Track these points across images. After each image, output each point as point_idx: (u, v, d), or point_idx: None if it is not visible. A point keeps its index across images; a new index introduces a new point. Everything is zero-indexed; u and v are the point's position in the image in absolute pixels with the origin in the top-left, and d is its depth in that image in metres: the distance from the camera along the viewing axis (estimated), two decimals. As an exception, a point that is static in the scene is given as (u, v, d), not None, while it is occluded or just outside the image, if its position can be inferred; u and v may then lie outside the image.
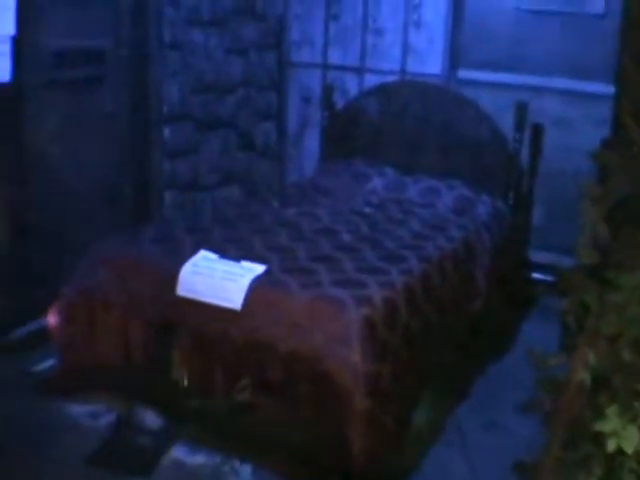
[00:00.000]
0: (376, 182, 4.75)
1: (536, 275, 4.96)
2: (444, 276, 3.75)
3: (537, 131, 4.75)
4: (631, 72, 2.03)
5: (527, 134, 4.73)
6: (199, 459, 3.25)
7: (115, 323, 3.52)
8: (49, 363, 3.84)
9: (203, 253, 3.50)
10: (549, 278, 4.74)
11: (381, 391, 3.07)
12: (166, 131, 4.85)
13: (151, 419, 3.41)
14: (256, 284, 3.25)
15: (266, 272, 3.35)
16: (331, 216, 4.24)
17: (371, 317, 3.08)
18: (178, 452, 3.29)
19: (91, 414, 3.52)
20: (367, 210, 4.39)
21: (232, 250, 3.58)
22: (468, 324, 4.02)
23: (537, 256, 4.99)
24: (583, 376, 1.95)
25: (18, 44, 3.79)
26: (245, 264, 3.40)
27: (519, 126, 4.66)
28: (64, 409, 3.53)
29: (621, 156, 2.02)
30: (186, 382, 3.48)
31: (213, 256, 3.49)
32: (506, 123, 4.75)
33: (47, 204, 4.13)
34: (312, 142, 5.71)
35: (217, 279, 3.31)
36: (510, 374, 3.99)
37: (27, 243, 4.04)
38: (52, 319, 3.66)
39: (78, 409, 3.54)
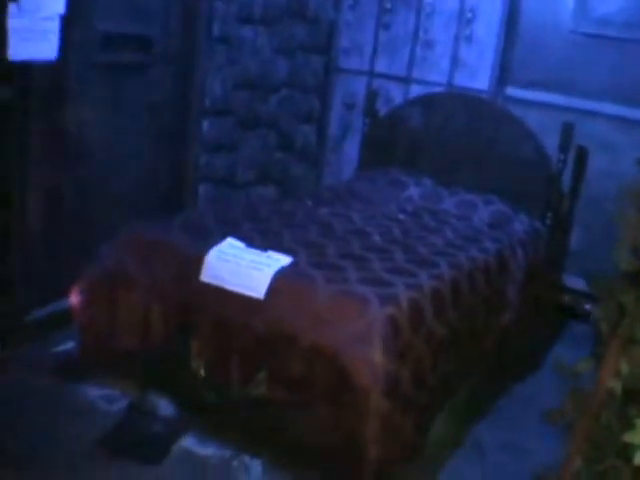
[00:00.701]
0: (412, 191, 4.70)
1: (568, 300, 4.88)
2: (474, 286, 3.66)
3: (581, 153, 4.67)
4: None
5: (571, 156, 4.65)
6: (209, 451, 3.22)
7: (136, 305, 3.48)
8: (69, 345, 3.81)
9: (230, 240, 3.46)
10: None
11: (401, 394, 2.99)
12: (205, 124, 4.83)
13: (164, 406, 3.39)
14: (281, 275, 3.20)
15: (292, 264, 3.30)
16: (364, 219, 4.19)
17: (395, 317, 3.01)
18: (189, 442, 3.26)
19: (106, 398, 3.49)
20: (401, 217, 4.32)
21: (259, 241, 3.54)
22: (497, 338, 3.93)
23: (572, 282, 4.89)
24: (613, 384, 1.86)
25: (67, 23, 3.76)
26: (272, 254, 3.36)
27: (564, 147, 4.58)
28: (80, 391, 3.51)
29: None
30: (203, 372, 3.44)
31: (240, 244, 3.44)
32: (551, 145, 4.67)
33: (82, 188, 4.11)
34: (352, 149, 5.67)
35: (242, 267, 3.26)
36: (535, 396, 3.91)
37: (59, 225, 4.01)
38: (74, 298, 3.63)
39: (94, 392, 3.52)
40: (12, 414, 3.28)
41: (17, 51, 3.51)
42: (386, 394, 2.91)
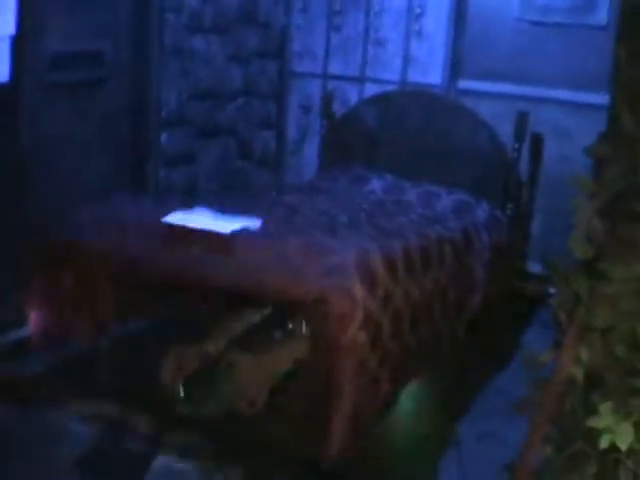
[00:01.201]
0: (375, 184, 4.72)
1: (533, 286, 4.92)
2: (443, 258, 3.71)
3: (537, 141, 4.72)
4: (625, 62, 2.01)
5: (527, 144, 4.70)
6: (189, 466, 3.17)
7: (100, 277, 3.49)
8: (38, 368, 3.80)
9: (198, 209, 3.47)
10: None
11: (378, 338, 2.99)
12: (163, 136, 4.84)
13: (141, 423, 3.38)
14: (250, 231, 3.23)
15: (262, 226, 3.32)
16: (329, 205, 4.21)
17: (368, 262, 3.03)
18: (168, 458, 3.20)
19: (81, 419, 3.43)
20: (365, 206, 4.34)
21: (228, 213, 3.52)
22: (468, 318, 3.98)
23: (537, 267, 4.94)
24: (574, 371, 1.90)
25: (18, 45, 3.77)
26: (241, 219, 3.37)
27: (519, 136, 4.62)
28: (53, 415, 3.45)
29: (615, 148, 1.99)
30: (179, 390, 3.46)
31: (208, 212, 3.45)
32: (506, 133, 4.72)
33: (43, 206, 4.09)
34: (312, 152, 5.69)
35: (210, 221, 3.29)
36: (506, 386, 3.94)
37: (23, 243, 3.99)
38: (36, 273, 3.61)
39: (67, 414, 3.46)
40: None
41: (-34, 74, 3.52)
42: (364, 328, 2.89)
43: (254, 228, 3.30)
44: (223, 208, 3.61)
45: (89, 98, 4.38)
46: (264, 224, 3.35)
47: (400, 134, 5.01)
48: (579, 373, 1.93)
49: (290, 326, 3.41)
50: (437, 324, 3.63)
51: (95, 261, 3.46)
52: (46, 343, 3.68)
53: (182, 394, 3.49)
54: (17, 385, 3.67)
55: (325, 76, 5.78)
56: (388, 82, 5.48)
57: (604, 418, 1.82)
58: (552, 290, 4.67)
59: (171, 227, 3.29)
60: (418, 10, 5.36)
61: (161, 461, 3.19)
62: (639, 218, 1.91)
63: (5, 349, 3.89)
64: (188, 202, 3.69)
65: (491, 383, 4.03)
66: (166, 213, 3.37)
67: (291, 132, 5.96)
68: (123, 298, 3.55)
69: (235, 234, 3.17)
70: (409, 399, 3.50)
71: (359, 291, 2.91)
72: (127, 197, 3.77)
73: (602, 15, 4.87)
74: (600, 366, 1.90)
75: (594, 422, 1.83)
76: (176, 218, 3.33)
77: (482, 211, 4.49)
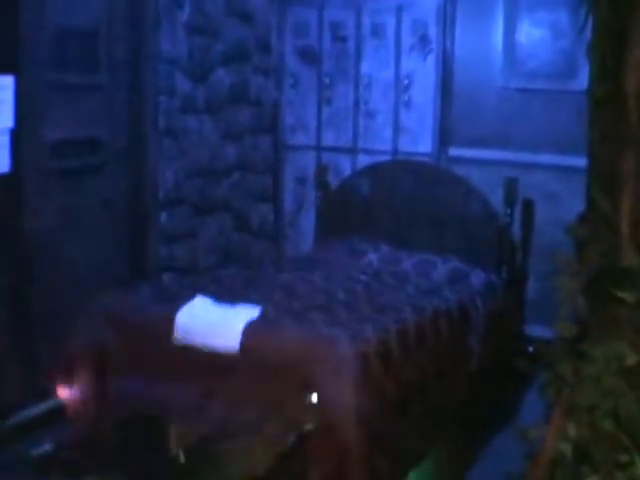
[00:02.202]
0: (371, 256, 4.80)
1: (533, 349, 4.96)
2: (438, 331, 3.79)
3: (528, 206, 4.81)
4: (599, 147, 2.10)
5: (518, 209, 4.79)
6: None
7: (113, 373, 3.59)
8: (47, 446, 3.84)
9: (198, 299, 3.57)
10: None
11: (375, 431, 3.08)
12: (163, 216, 4.94)
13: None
14: (252, 326, 3.32)
15: (261, 314, 3.42)
16: (326, 281, 4.29)
17: (364, 354, 3.13)
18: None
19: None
20: (362, 277, 4.43)
21: (227, 298, 3.66)
22: (465, 387, 4.04)
23: (534, 330, 4.99)
24: (562, 447, 1.96)
25: (17, 136, 3.88)
26: (240, 307, 3.48)
27: (509, 201, 4.72)
28: None
29: (592, 231, 2.07)
30: (183, 458, 3.50)
31: (208, 300, 3.56)
32: (497, 199, 4.82)
33: (46, 291, 4.18)
34: (308, 222, 5.78)
35: (213, 321, 3.39)
36: (507, 451, 3.96)
37: (27, 329, 4.08)
38: (56, 377, 3.71)
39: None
40: None
41: (-31, 169, 3.62)
42: (359, 425, 3.00)
43: (253, 319, 3.39)
44: (222, 295, 3.73)
45: (88, 183, 4.49)
46: (263, 312, 3.45)
47: (393, 203, 5.10)
48: (567, 448, 1.98)
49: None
50: (434, 398, 3.69)
51: (109, 357, 3.61)
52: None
53: (186, 464, 3.55)
54: (27, 462, 3.73)
55: (318, 148, 5.91)
56: (380, 152, 5.61)
57: (592, 492, 1.87)
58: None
59: (178, 347, 3.42)
60: (406, 81, 5.51)
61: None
62: (620, 298, 1.98)
63: (12, 429, 3.94)
64: (188, 291, 3.79)
65: (490, 449, 4.06)
66: (173, 311, 3.49)
67: (287, 204, 6.07)
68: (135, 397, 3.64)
69: (238, 357, 3.28)
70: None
71: (355, 395, 3.04)
72: (131, 295, 3.87)
73: (583, 79, 4.97)
74: (587, 441, 1.96)
75: (582, 497, 1.88)
76: (183, 324, 3.44)
77: (477, 278, 4.56)
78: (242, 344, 3.26)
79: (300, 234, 5.97)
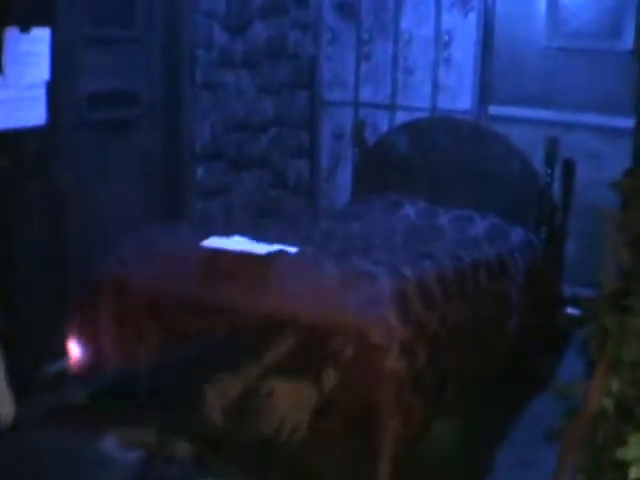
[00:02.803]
0: (408, 210, 4.75)
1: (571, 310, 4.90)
2: (478, 283, 3.73)
3: (568, 166, 4.73)
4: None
5: (559, 169, 4.71)
6: (229, 494, 3.21)
7: (140, 311, 3.54)
8: (82, 397, 3.85)
9: (236, 237, 3.54)
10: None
11: (415, 368, 3.01)
12: (199, 171, 4.92)
13: (181, 450, 3.38)
14: (287, 257, 3.29)
15: (299, 251, 3.38)
16: (364, 229, 4.26)
17: (404, 290, 3.08)
18: (208, 485, 3.25)
19: (120, 447, 3.48)
20: (400, 229, 4.38)
21: (265, 239, 3.60)
22: (504, 342, 3.98)
23: (572, 291, 4.93)
24: (605, 403, 1.92)
25: (53, 88, 3.86)
26: (277, 246, 3.43)
27: (550, 161, 4.65)
28: (95, 443, 3.47)
29: (638, 185, 2.02)
30: (218, 414, 3.50)
31: (244, 239, 3.53)
32: (538, 159, 4.74)
33: (81, 243, 4.18)
34: (344, 179, 5.75)
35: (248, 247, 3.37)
36: (543, 412, 3.92)
37: (62, 281, 4.08)
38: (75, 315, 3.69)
39: (109, 443, 3.50)
40: (29, 470, 3.27)
41: (6, 121, 3.60)
42: (401, 357, 2.93)
43: (291, 253, 3.36)
44: (259, 235, 3.69)
45: (124, 136, 4.48)
46: (300, 249, 3.41)
47: (432, 160, 5.04)
48: (610, 405, 1.94)
49: (327, 355, 3.44)
50: (473, 349, 3.62)
51: (137, 292, 3.53)
52: (87, 374, 3.73)
53: (222, 423, 3.53)
54: (58, 415, 3.75)
55: (356, 104, 5.84)
56: (418, 109, 5.54)
57: (634, 449, 1.83)
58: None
59: (210, 251, 3.38)
60: (446, 38, 5.42)
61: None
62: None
63: (46, 380, 3.97)
64: (225, 230, 3.75)
65: (528, 409, 4.03)
66: (204, 239, 3.46)
67: (324, 160, 6.02)
68: (165, 328, 3.60)
69: (272, 257, 3.24)
70: (444, 427, 3.51)
71: (395, 322, 2.96)
72: (165, 227, 3.84)
73: (629, 39, 4.89)
74: (630, 399, 1.91)
75: (624, 453, 1.84)
76: (214, 242, 3.41)
77: (516, 235, 4.49)
78: (274, 273, 3.22)
79: (336, 190, 5.93)
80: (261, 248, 3.40)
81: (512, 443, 3.72)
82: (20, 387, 3.72)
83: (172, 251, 3.53)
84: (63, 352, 3.99)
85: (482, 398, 3.83)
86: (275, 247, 3.40)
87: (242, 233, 3.68)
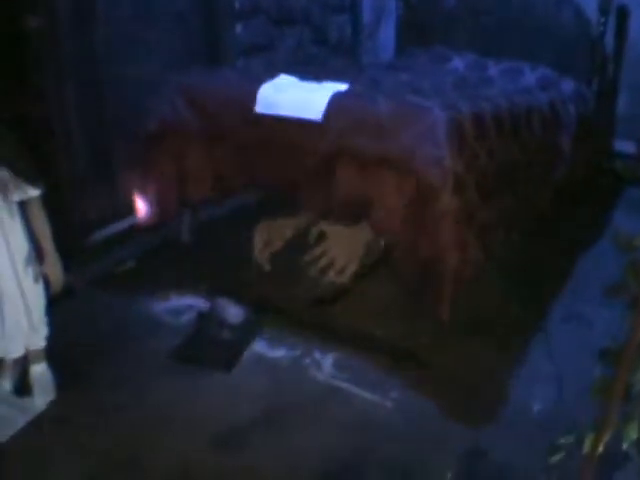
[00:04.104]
0: (457, 62, 4.63)
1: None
2: (531, 128, 3.66)
3: (622, 14, 4.53)
4: None
5: (612, 19, 4.52)
6: (280, 352, 3.23)
7: (195, 151, 3.56)
8: (130, 264, 3.89)
9: (283, 76, 3.48)
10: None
11: (467, 199, 3.00)
12: (238, 27, 4.78)
13: (233, 313, 3.40)
14: (339, 96, 3.20)
15: (349, 89, 3.32)
16: (413, 78, 4.15)
17: (458, 119, 3.01)
18: (259, 346, 3.27)
19: (172, 311, 3.52)
20: (448, 79, 4.27)
21: (313, 76, 3.56)
22: (553, 188, 3.95)
23: (622, 146, 4.83)
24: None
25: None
26: (327, 83, 3.37)
27: (604, 9, 4.45)
28: (146, 308, 3.54)
29: None
30: (268, 266, 3.51)
31: (293, 78, 3.46)
32: (591, 6, 4.54)
33: (119, 108, 4.11)
34: (387, 35, 5.60)
35: (297, 93, 3.28)
36: (594, 267, 3.90)
37: (106, 136, 4.06)
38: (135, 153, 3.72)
39: (159, 307, 3.55)
40: (84, 333, 3.32)
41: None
42: (455, 194, 2.92)
43: (343, 90, 3.27)
44: (307, 76, 3.62)
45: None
46: (351, 87, 3.33)
47: (480, 11, 4.87)
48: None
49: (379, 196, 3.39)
50: (523, 190, 3.58)
51: (190, 135, 3.53)
52: (148, 226, 3.78)
53: (269, 268, 3.54)
54: (108, 280, 3.78)
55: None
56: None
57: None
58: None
59: (262, 118, 3.32)
60: None
61: (253, 349, 3.25)
62: None
63: (97, 245, 3.99)
64: (271, 71, 3.67)
65: (579, 264, 4.00)
66: (254, 82, 3.39)
67: (366, 15, 5.84)
68: (218, 174, 3.60)
69: (326, 116, 3.16)
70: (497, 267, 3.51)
71: (449, 160, 2.90)
72: (213, 69, 3.77)
73: None
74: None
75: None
76: (266, 96, 3.34)
77: (567, 85, 4.36)
78: (326, 113, 3.14)
79: (379, 46, 5.78)
80: (310, 87, 3.31)
81: (561, 297, 3.70)
82: (69, 254, 3.79)
83: (224, 102, 3.46)
84: (110, 219, 4.02)
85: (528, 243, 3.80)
86: (325, 84, 3.32)
87: (289, 73, 3.61)
